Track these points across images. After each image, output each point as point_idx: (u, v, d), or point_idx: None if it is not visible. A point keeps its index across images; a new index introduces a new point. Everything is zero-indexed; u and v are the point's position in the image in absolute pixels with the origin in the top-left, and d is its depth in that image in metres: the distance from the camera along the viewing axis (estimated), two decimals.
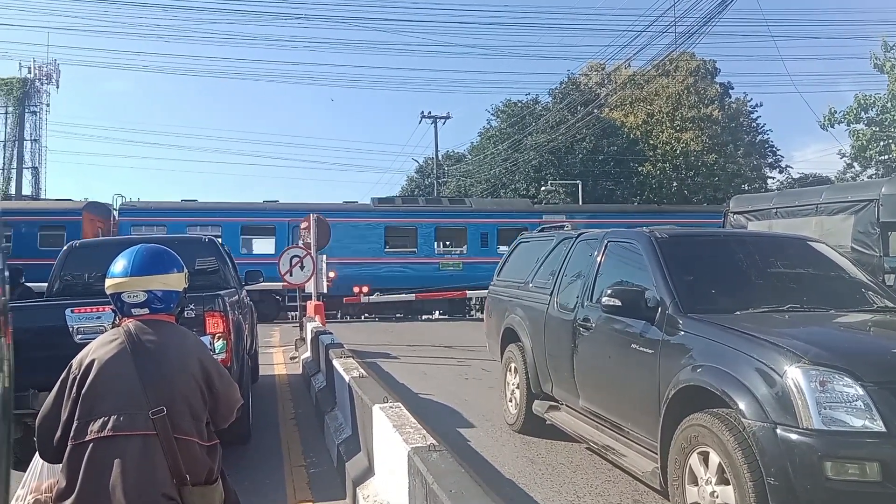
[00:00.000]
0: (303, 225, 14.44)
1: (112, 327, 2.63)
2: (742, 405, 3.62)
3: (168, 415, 2.37)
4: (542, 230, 8.22)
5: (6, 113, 36.14)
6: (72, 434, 2.33)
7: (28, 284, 9.22)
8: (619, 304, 4.83)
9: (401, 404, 4.49)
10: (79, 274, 7.32)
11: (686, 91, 38.94)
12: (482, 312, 21.94)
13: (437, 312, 22.87)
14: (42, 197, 32.81)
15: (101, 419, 2.32)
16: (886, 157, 21.17)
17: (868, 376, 3.46)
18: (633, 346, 4.84)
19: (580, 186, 34.14)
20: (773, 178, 42.36)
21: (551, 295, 6.44)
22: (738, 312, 4.54)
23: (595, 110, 37.19)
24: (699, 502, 3.89)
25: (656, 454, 4.42)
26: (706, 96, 39.50)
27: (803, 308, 4.78)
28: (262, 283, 9.66)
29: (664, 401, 4.25)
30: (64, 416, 2.38)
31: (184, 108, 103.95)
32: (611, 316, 5.10)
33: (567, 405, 6.15)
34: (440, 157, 40.69)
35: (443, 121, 38.15)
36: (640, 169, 37.99)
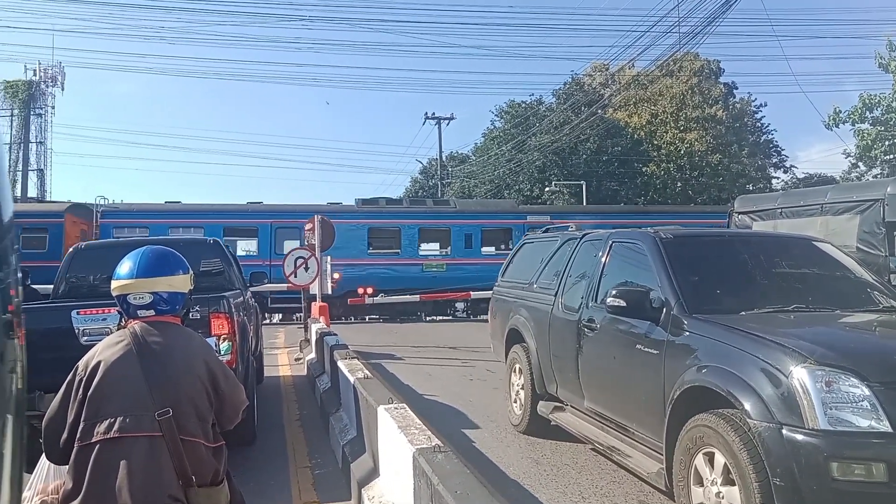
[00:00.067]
0: (307, 226, 14.46)
1: (118, 329, 2.64)
2: (747, 406, 3.62)
3: (174, 416, 2.38)
4: (546, 231, 8.21)
5: (12, 115, 36.29)
6: (78, 435, 2.34)
7: (33, 286, 9.26)
8: (624, 304, 4.82)
9: (406, 405, 4.49)
10: (84, 276, 7.34)
11: (690, 91, 38.90)
12: (468, 314, 22.24)
13: (422, 314, 22.85)
14: (47, 199, 32.92)
15: (108, 421, 2.33)
16: (891, 156, 21.09)
17: (874, 376, 3.45)
18: (637, 346, 4.84)
19: (584, 187, 34.11)
20: (778, 178, 42.29)
21: (556, 296, 6.44)
22: (743, 313, 4.53)
23: (599, 111, 37.18)
24: (704, 503, 3.88)
25: (661, 455, 4.41)
26: (710, 96, 39.46)
27: (809, 308, 4.77)
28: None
29: (669, 401, 4.25)
30: (70, 417, 2.39)
31: (189, 110, 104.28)
32: (615, 316, 5.09)
33: (572, 406, 6.15)
34: (444, 158, 40.76)
35: (447, 122, 38.29)
36: (644, 169, 37.96)
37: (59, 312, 5.80)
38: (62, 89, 38.00)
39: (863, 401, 3.40)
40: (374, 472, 4.64)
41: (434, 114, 37.87)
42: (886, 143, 20.02)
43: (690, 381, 4.08)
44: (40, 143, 37.27)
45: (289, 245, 21.60)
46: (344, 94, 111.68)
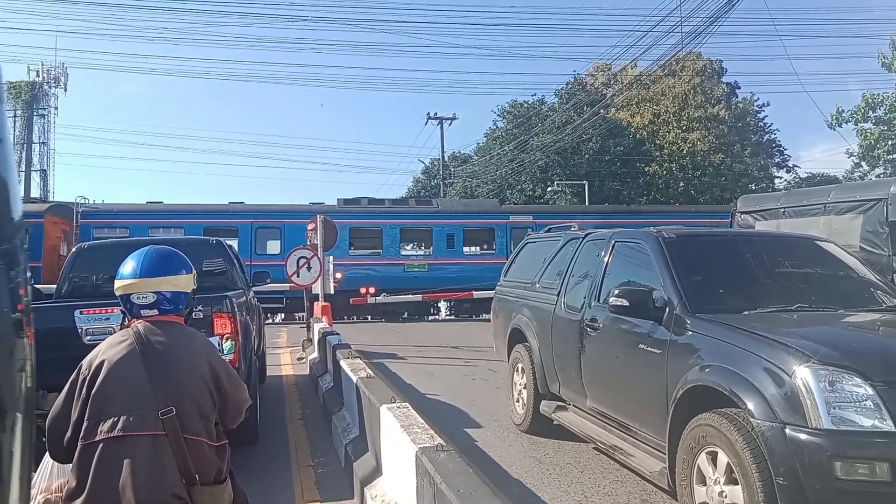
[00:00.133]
0: (310, 226, 14.48)
1: (121, 328, 2.65)
2: (751, 405, 3.61)
3: (177, 415, 2.38)
4: (548, 230, 8.21)
5: (15, 116, 36.31)
6: (82, 434, 2.35)
7: (36, 286, 9.28)
8: (627, 304, 4.82)
9: (408, 405, 4.49)
10: (87, 275, 7.35)
11: (692, 91, 38.90)
12: (453, 314, 22.21)
13: (405, 313, 22.83)
14: (50, 199, 32.97)
15: (111, 419, 2.34)
16: (895, 156, 21.07)
17: (877, 376, 3.44)
18: (640, 346, 4.83)
19: (587, 187, 34.10)
20: (781, 177, 42.30)
21: (558, 295, 6.44)
22: (746, 312, 4.53)
23: (601, 111, 37.18)
24: (707, 502, 3.88)
25: (664, 454, 4.41)
26: (713, 96, 39.44)
27: (812, 308, 4.77)
28: None
29: (672, 401, 4.24)
30: (74, 416, 2.40)
31: (192, 111, 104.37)
32: (618, 316, 5.09)
33: (574, 405, 6.14)
34: (446, 158, 40.74)
35: (449, 122, 38.23)
36: (646, 169, 37.94)
37: (63, 312, 5.81)
38: (65, 90, 38.06)
39: (866, 400, 3.40)
40: (376, 472, 4.64)
41: (436, 114, 37.85)
42: (889, 142, 20.00)
43: (693, 381, 4.08)
44: (43, 143, 37.35)
45: (270, 245, 21.60)
46: (346, 94, 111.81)
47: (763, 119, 42.11)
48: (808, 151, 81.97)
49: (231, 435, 2.67)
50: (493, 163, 40.24)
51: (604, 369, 5.50)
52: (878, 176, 25.87)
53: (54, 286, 7.49)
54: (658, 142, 38.60)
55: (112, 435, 2.32)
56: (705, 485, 3.91)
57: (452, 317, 22.54)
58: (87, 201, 22.57)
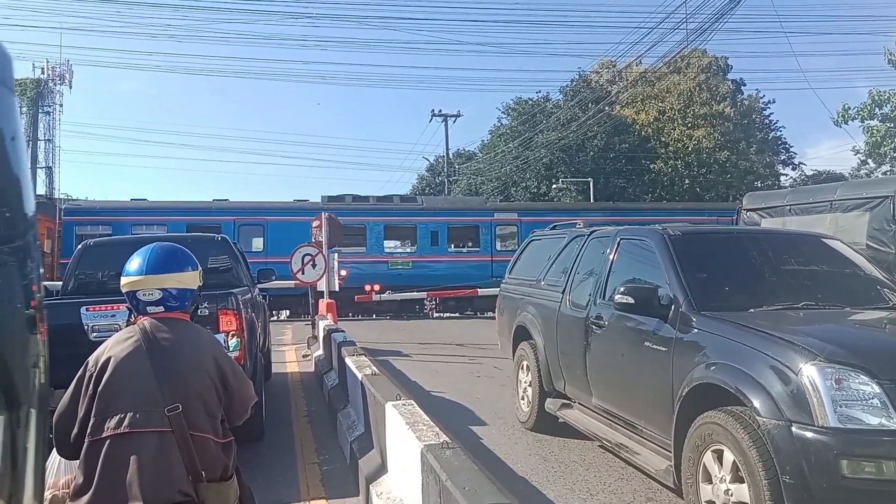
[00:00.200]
0: (315, 223, 14.49)
1: (127, 325, 2.65)
2: (757, 403, 3.60)
3: (183, 412, 2.39)
4: (553, 228, 8.20)
5: (20, 113, 36.36)
6: (89, 431, 2.35)
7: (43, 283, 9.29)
8: (632, 301, 4.81)
9: (413, 402, 4.49)
10: (93, 272, 7.37)
11: (698, 88, 38.80)
12: (436, 311, 22.13)
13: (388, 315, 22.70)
14: (55, 196, 33.07)
15: (118, 416, 2.35)
16: None
17: (884, 374, 3.43)
18: (646, 343, 4.83)
19: (591, 184, 34.06)
20: (787, 174, 42.21)
21: (563, 293, 6.43)
22: (752, 310, 4.52)
23: (606, 108, 37.11)
24: (713, 500, 3.88)
25: (670, 452, 4.40)
26: (718, 93, 39.33)
27: (818, 305, 4.75)
28: None
29: (678, 398, 4.24)
30: (81, 413, 2.40)
31: (196, 108, 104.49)
32: (624, 314, 5.08)
33: (580, 403, 6.14)
34: (451, 156, 40.70)
35: (453, 119, 38.17)
36: (651, 166, 37.87)
37: (69, 309, 5.82)
38: (70, 87, 38.08)
39: (873, 398, 3.39)
40: (381, 469, 4.65)
41: (441, 111, 37.83)
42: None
43: (699, 379, 4.07)
44: (48, 140, 37.40)
45: (254, 242, 21.56)
46: (350, 91, 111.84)
47: (769, 116, 42.05)
48: (814, 149, 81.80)
49: (237, 432, 2.68)
50: (498, 160, 40.23)
51: (609, 367, 5.49)
52: (885, 173, 25.78)
53: (60, 283, 7.50)
54: (663, 139, 38.52)
55: (119, 431, 2.33)
56: (711, 483, 3.90)
57: (442, 315, 22.47)
58: (70, 198, 22.52)
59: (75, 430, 2.39)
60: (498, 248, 23.64)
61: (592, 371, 5.67)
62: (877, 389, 3.38)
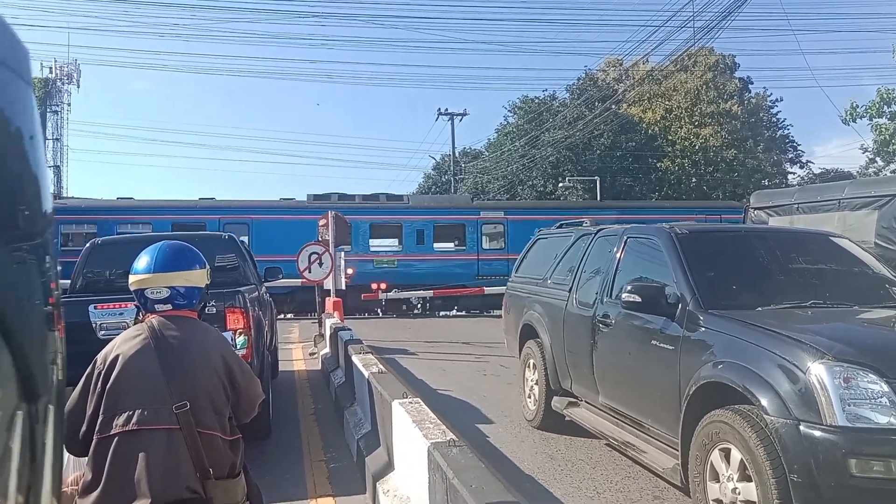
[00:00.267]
0: (321, 222, 14.51)
1: (135, 323, 2.66)
2: (764, 402, 3.59)
3: (191, 409, 2.40)
4: (560, 226, 8.19)
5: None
6: (97, 428, 2.36)
7: None
8: (639, 300, 4.80)
9: (420, 400, 4.50)
10: (101, 270, 7.40)
11: (705, 86, 38.65)
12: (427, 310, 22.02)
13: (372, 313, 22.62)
14: (63, 195, 33.21)
15: (126, 413, 2.36)
16: None
17: (893, 373, 3.42)
18: (653, 342, 4.82)
19: (598, 183, 34.00)
20: (794, 173, 42.04)
21: (570, 291, 6.42)
22: (759, 308, 4.51)
23: (613, 106, 37.03)
24: (721, 499, 3.87)
25: (677, 450, 4.40)
26: (725, 91, 39.19)
27: (826, 304, 4.73)
28: None
29: (685, 397, 4.23)
30: (89, 410, 2.42)
31: (204, 107, 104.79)
32: (630, 312, 5.08)
33: (586, 401, 6.14)
34: (457, 154, 40.71)
35: (460, 117, 38.18)
36: (658, 165, 37.77)
37: (77, 307, 5.85)
38: (78, 86, 38.28)
39: (882, 397, 3.38)
40: (388, 466, 4.66)
41: (447, 110, 37.83)
42: None
43: (706, 377, 4.06)
44: (56, 140, 37.59)
45: None
46: (356, 90, 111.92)
47: (776, 114, 41.85)
48: (822, 147, 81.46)
49: (244, 429, 2.69)
50: (504, 159, 40.19)
51: (616, 365, 5.48)
52: (894, 171, 25.65)
53: (68, 281, 7.53)
54: (670, 137, 38.41)
55: (127, 429, 2.34)
56: (718, 481, 3.90)
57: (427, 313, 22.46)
58: (56, 195, 22.51)
59: (84, 428, 2.41)
60: (484, 246, 23.62)
61: (599, 369, 5.66)
62: (885, 388, 3.37)
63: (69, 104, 38.22)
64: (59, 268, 1.09)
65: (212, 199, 23.39)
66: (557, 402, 6.48)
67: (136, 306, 2.67)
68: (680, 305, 4.62)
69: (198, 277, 2.66)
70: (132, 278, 2.61)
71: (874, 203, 7.93)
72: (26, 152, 1.02)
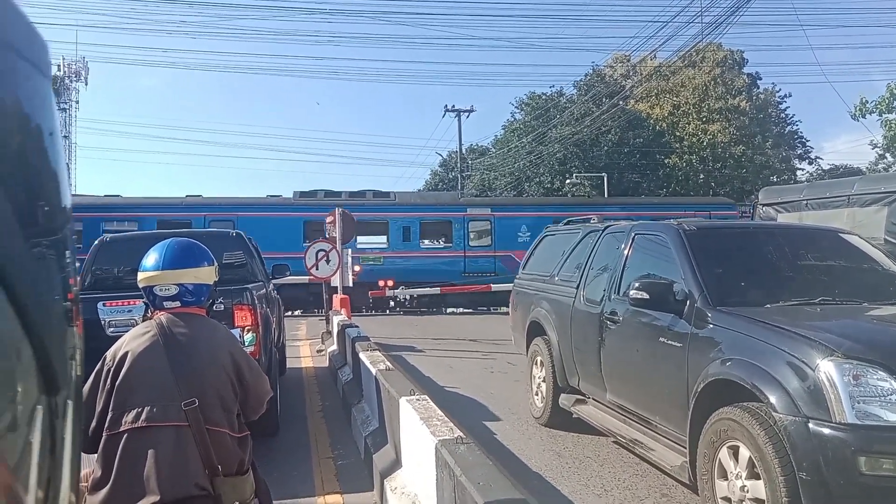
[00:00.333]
0: (328, 219, 14.53)
1: (144, 320, 2.67)
2: (773, 399, 3.58)
3: (200, 406, 2.40)
4: (567, 223, 8.17)
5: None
6: (106, 425, 2.37)
7: None
8: (647, 297, 4.79)
9: (427, 397, 4.50)
10: (109, 268, 7.42)
11: (713, 82, 38.48)
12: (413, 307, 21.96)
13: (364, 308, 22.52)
14: (73, 192, 33.33)
15: (135, 410, 2.36)
16: None
17: None
18: (661, 339, 4.80)
19: (605, 179, 33.91)
20: (803, 169, 41.83)
21: (578, 288, 6.41)
22: (768, 305, 4.49)
23: (620, 102, 36.89)
24: (729, 497, 3.86)
25: (685, 448, 4.38)
26: (733, 87, 39.01)
27: (835, 301, 4.71)
28: None
29: (693, 394, 4.21)
30: (98, 407, 2.43)
31: (211, 104, 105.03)
32: (638, 309, 5.06)
33: (594, 399, 6.13)
34: (464, 151, 40.65)
35: (466, 114, 38.11)
36: (666, 161, 37.63)
37: (86, 304, 5.86)
38: (86, 84, 38.51)
39: (891, 394, 3.36)
40: (396, 464, 4.66)
41: (454, 106, 37.79)
42: None
43: (714, 374, 4.05)
44: (65, 137, 37.75)
45: None
46: (363, 87, 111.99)
47: (785, 110, 41.66)
48: (831, 143, 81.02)
49: (252, 427, 2.69)
50: (511, 155, 40.10)
51: (623, 363, 5.47)
52: None
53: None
54: (678, 133, 38.27)
55: (136, 426, 2.35)
56: (727, 479, 3.88)
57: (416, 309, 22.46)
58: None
59: (93, 424, 2.42)
60: (471, 243, 23.56)
61: (607, 367, 5.65)
62: (895, 385, 3.35)
63: (77, 101, 38.42)
64: (77, 264, 1.10)
65: (198, 196, 23.34)
66: (565, 400, 6.47)
67: (145, 303, 2.68)
68: (688, 302, 4.60)
69: (206, 275, 2.67)
70: (141, 275, 2.61)
71: (884, 199, 7.89)
72: (46, 148, 1.02)
